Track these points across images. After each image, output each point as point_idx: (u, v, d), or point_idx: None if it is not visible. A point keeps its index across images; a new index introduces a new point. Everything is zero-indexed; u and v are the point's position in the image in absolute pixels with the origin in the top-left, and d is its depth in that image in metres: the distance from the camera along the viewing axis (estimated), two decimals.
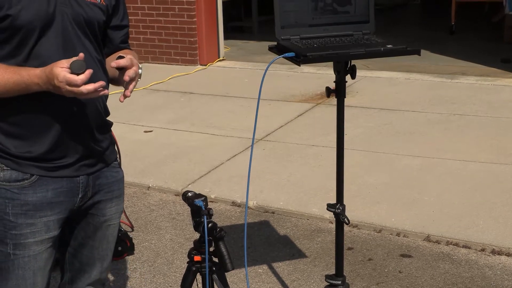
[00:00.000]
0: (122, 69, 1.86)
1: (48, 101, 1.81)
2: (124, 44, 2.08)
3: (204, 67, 7.53)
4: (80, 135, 1.92)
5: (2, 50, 1.81)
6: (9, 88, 1.77)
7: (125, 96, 1.85)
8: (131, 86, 1.84)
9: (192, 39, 7.51)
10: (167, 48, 7.68)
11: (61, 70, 1.69)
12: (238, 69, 7.40)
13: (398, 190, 3.98)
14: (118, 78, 1.92)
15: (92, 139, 1.96)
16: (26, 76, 1.76)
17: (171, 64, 7.65)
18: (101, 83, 1.73)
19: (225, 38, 7.99)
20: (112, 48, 2.05)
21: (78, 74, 1.69)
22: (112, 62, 1.82)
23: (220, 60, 7.74)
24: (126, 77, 1.82)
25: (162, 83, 6.77)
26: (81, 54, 1.73)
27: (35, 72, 1.75)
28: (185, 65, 7.57)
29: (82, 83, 1.69)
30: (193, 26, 7.47)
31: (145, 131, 5.26)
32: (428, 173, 4.21)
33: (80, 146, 1.93)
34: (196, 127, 5.31)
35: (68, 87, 1.70)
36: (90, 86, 1.71)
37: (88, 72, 1.70)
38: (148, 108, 5.86)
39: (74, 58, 1.70)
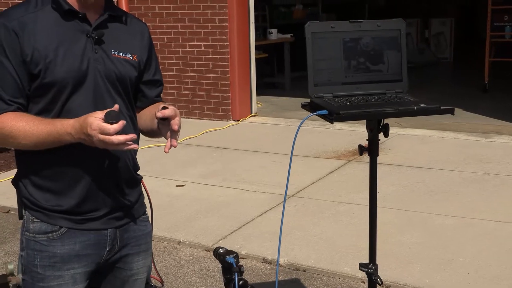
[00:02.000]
0: (164, 120, 1.86)
1: (78, 156, 1.84)
2: (158, 97, 2.11)
3: (236, 122, 7.60)
4: (109, 189, 1.93)
5: (37, 105, 1.86)
6: (43, 139, 1.80)
7: (171, 146, 1.83)
8: (176, 137, 1.84)
9: (225, 95, 7.61)
10: (201, 104, 7.79)
11: (95, 119, 1.72)
12: (270, 124, 7.45)
13: (432, 250, 3.90)
14: (156, 130, 1.94)
15: (120, 193, 1.97)
16: (59, 126, 1.78)
17: (204, 119, 7.75)
18: (132, 135, 1.75)
19: (258, 94, 8.08)
20: (146, 102, 2.08)
21: (111, 124, 1.71)
22: (158, 113, 1.81)
23: (252, 116, 7.81)
24: (175, 127, 1.81)
25: (194, 138, 6.84)
26: (116, 106, 1.75)
27: (68, 122, 1.78)
28: (217, 120, 7.65)
29: (115, 132, 1.71)
30: (226, 82, 7.59)
31: (177, 186, 5.28)
32: (463, 234, 4.12)
33: (109, 200, 1.94)
34: (227, 182, 5.32)
35: (100, 136, 1.71)
36: (122, 137, 1.72)
37: (122, 122, 1.72)
38: (180, 162, 5.90)
39: (109, 109, 1.73)
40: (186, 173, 5.59)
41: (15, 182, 1.98)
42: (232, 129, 7.34)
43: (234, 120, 7.65)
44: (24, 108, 1.85)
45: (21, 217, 1.97)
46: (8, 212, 4.80)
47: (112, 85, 1.91)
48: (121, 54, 1.93)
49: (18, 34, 1.80)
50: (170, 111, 1.81)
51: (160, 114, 1.81)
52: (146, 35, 2.06)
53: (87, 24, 1.88)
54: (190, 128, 7.18)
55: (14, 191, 2.01)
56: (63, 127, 1.78)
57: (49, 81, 1.82)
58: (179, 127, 1.82)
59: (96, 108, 1.85)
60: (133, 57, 1.97)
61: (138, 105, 2.07)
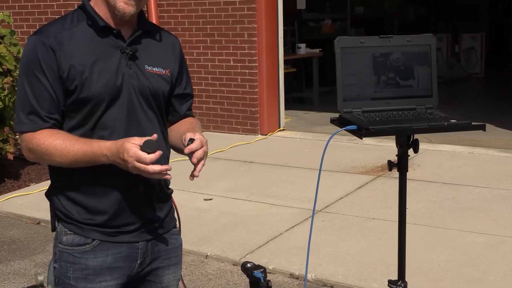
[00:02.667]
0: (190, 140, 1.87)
1: (111, 172, 1.86)
2: (188, 111, 2.13)
3: (264, 136, 7.60)
4: (141, 204, 1.96)
5: (71, 120, 1.89)
6: (78, 158, 1.82)
7: (193, 176, 1.84)
8: (199, 166, 1.83)
9: (253, 109, 7.63)
10: (229, 118, 7.82)
11: (132, 145, 1.74)
12: (299, 139, 7.44)
13: (462, 268, 3.84)
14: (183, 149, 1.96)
15: (152, 207, 1.99)
16: (96, 147, 1.81)
17: (232, 133, 7.77)
18: (167, 166, 1.78)
19: (286, 108, 8.08)
20: (177, 116, 2.10)
21: (148, 153, 1.74)
22: (185, 149, 1.83)
23: (280, 130, 7.81)
24: (194, 159, 1.82)
25: (223, 152, 6.86)
26: (155, 135, 1.78)
27: (105, 144, 1.80)
28: (246, 134, 7.67)
29: (151, 162, 1.74)
30: (255, 97, 7.61)
31: (205, 199, 5.30)
32: (494, 251, 4.05)
33: (141, 214, 1.96)
34: (255, 197, 5.32)
35: (136, 163, 1.74)
36: (157, 167, 1.75)
37: (158, 153, 1.75)
38: (208, 176, 5.92)
39: (147, 138, 1.76)
40: (214, 187, 5.60)
41: (48, 194, 2.01)
42: (260, 144, 7.35)
43: (262, 135, 7.65)
44: (59, 124, 1.88)
45: (53, 229, 2.00)
46: (38, 223, 4.86)
47: (145, 100, 1.93)
48: (154, 69, 1.95)
49: (55, 51, 1.83)
50: (196, 145, 1.82)
51: (187, 150, 1.82)
52: (177, 48, 2.08)
53: (121, 40, 1.91)
54: (219, 142, 7.20)
55: (45, 203, 2.04)
56: (99, 149, 1.80)
57: (85, 97, 1.85)
58: (199, 159, 1.82)
59: (129, 123, 1.88)
60: (165, 72, 1.99)
61: (169, 119, 2.09)
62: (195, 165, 1.83)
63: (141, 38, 1.95)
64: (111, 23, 1.91)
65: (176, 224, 2.14)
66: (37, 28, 1.97)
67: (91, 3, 1.93)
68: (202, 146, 1.83)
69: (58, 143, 1.82)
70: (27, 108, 1.85)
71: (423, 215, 4.69)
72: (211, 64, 7.81)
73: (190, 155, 1.83)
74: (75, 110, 1.88)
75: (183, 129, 2.01)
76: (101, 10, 1.91)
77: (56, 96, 1.85)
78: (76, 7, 1.99)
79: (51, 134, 1.84)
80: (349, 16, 12.11)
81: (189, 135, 1.85)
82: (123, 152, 1.75)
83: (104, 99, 1.86)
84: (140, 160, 1.73)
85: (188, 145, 1.82)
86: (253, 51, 7.50)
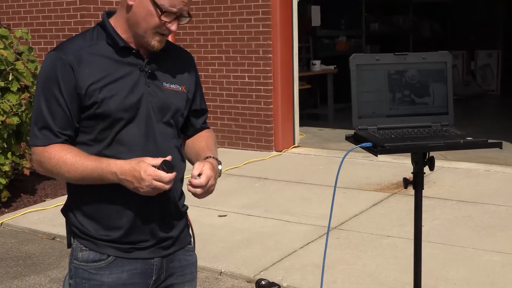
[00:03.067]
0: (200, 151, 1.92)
1: (127, 189, 1.86)
2: (203, 124, 2.16)
3: (279, 153, 7.60)
4: (156, 221, 1.97)
5: (88, 135, 1.90)
6: (86, 175, 1.84)
7: (191, 184, 1.87)
8: (199, 190, 1.86)
9: (268, 126, 7.64)
10: (244, 134, 7.83)
11: (149, 165, 1.77)
12: (313, 156, 7.43)
13: (479, 287, 3.79)
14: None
15: (167, 224, 2.00)
16: (105, 164, 1.82)
17: (247, 150, 7.78)
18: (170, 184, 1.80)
19: (301, 125, 8.09)
20: (193, 130, 2.13)
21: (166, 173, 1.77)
22: (188, 187, 1.86)
23: (295, 147, 7.81)
24: (193, 189, 1.86)
25: (237, 168, 6.86)
26: (170, 157, 1.81)
27: (115, 162, 1.82)
28: (260, 151, 7.67)
29: (169, 181, 1.77)
30: (270, 113, 7.62)
31: (220, 216, 5.29)
32: (511, 270, 4.00)
33: (155, 231, 1.97)
34: (270, 213, 5.31)
35: (154, 182, 1.76)
36: (167, 187, 1.79)
37: (174, 174, 1.78)
38: (223, 192, 5.92)
39: (163, 158, 1.78)
40: (228, 203, 5.60)
41: (64, 211, 2.02)
42: (275, 160, 7.34)
43: (276, 151, 7.65)
44: (71, 140, 1.90)
45: (69, 245, 2.01)
46: (53, 239, 4.88)
47: (163, 117, 1.96)
48: (171, 85, 1.98)
49: (73, 68, 1.85)
50: (202, 180, 1.85)
51: (190, 188, 1.86)
52: (192, 64, 2.11)
53: (140, 59, 1.94)
54: (233, 158, 7.21)
55: (60, 218, 2.05)
56: (108, 166, 1.81)
57: (102, 113, 1.87)
58: (203, 193, 1.87)
59: (147, 139, 1.90)
60: (182, 88, 2.02)
61: (186, 133, 2.12)
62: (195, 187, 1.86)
63: (159, 56, 1.97)
64: (131, 42, 1.93)
65: (191, 241, 2.14)
66: (55, 44, 2.00)
67: (111, 22, 1.94)
68: (207, 183, 1.86)
69: (68, 158, 1.84)
70: (41, 123, 1.87)
71: (439, 233, 4.65)
72: (226, 81, 7.85)
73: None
74: (92, 125, 1.89)
75: (198, 147, 2.05)
76: (121, 29, 1.93)
77: (70, 113, 1.87)
78: (93, 24, 2.01)
79: (62, 149, 1.86)
80: (364, 33, 12.12)
81: (197, 169, 1.87)
82: (140, 170, 1.76)
83: (122, 117, 1.88)
84: (159, 179, 1.76)
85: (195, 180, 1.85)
86: (268, 68, 7.53)
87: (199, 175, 1.85)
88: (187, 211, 2.11)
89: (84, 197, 1.94)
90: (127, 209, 1.92)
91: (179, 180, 1.98)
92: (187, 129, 2.12)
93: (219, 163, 1.96)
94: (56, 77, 1.85)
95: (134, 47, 1.93)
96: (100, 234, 1.93)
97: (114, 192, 1.89)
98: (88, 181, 1.86)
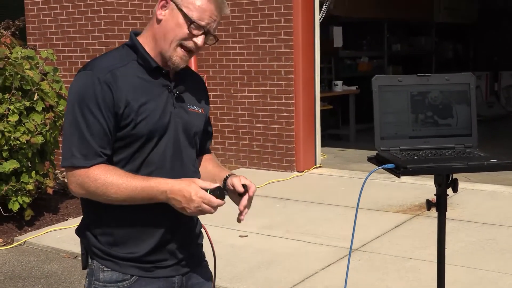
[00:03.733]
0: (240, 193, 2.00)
1: (156, 211, 1.88)
2: (207, 148, 2.22)
3: (300, 173, 7.58)
4: (179, 241, 1.98)
5: (120, 155, 1.91)
6: (135, 194, 1.83)
7: (239, 220, 1.97)
8: (245, 211, 1.98)
9: (289, 146, 7.64)
10: (265, 154, 7.83)
11: (199, 187, 1.81)
12: (335, 176, 7.39)
13: None
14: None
15: (189, 244, 2.03)
16: (154, 183, 1.83)
17: (268, 170, 7.77)
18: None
19: (322, 145, 8.07)
20: (201, 152, 2.16)
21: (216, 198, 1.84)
22: (240, 206, 1.97)
23: (316, 167, 7.78)
24: (241, 207, 1.97)
25: (258, 189, 6.84)
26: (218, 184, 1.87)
27: (166, 181, 1.83)
28: (281, 171, 7.66)
29: (218, 206, 1.82)
30: (291, 133, 7.62)
31: (240, 236, 5.28)
32: None
33: (177, 250, 1.99)
34: (291, 234, 5.28)
35: (203, 205, 1.80)
36: (213, 211, 1.85)
37: (224, 202, 1.84)
38: None
39: (217, 185, 1.86)
40: (250, 224, 5.58)
41: (81, 231, 2.01)
42: (296, 180, 7.33)
43: (298, 171, 7.64)
44: (110, 160, 1.89)
45: (85, 266, 2.00)
46: (75, 257, 4.91)
47: (188, 138, 1.99)
48: (194, 107, 2.02)
49: (111, 87, 1.84)
50: (247, 200, 1.98)
51: (241, 208, 1.98)
52: (205, 87, 2.16)
53: (168, 80, 1.96)
54: (254, 178, 7.15)
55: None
56: (159, 185, 1.82)
57: (136, 133, 1.88)
58: (245, 206, 1.99)
59: (173, 161, 1.93)
60: (201, 110, 2.06)
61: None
62: (241, 210, 1.96)
63: (182, 78, 2.01)
64: (159, 62, 1.95)
65: (204, 257, 2.16)
66: (79, 65, 2.03)
67: (140, 41, 1.96)
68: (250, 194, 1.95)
69: (115, 179, 1.82)
70: (81, 143, 1.83)
71: (462, 256, 4.59)
72: (248, 101, 7.88)
73: (235, 198, 2.00)
74: (125, 146, 1.90)
75: (210, 167, 2.13)
76: (150, 49, 1.95)
77: (110, 132, 1.85)
78: (117, 45, 2.05)
79: (107, 170, 1.84)
80: (386, 54, 12.11)
81: (239, 182, 1.98)
82: (190, 191, 1.79)
83: (154, 137, 1.90)
84: (209, 203, 1.80)
85: (243, 192, 1.96)
86: (289, 88, 7.54)
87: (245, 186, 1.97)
88: (208, 231, 2.13)
89: (105, 217, 1.94)
90: (151, 229, 1.93)
91: None
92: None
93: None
94: (94, 95, 1.83)
95: (163, 67, 1.96)
96: (123, 253, 1.93)
97: (137, 212, 1.90)
98: (136, 201, 1.85)
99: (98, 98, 1.83)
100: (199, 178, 2.03)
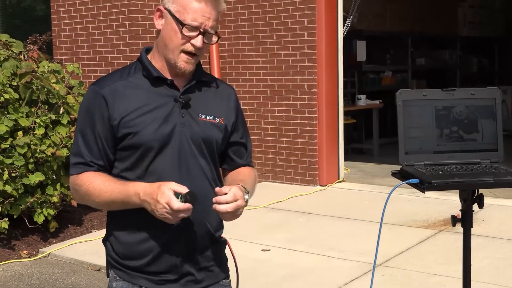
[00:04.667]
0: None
1: (151, 218, 1.86)
2: (244, 162, 2.14)
3: (323, 188, 7.55)
4: (182, 251, 1.96)
5: (123, 163, 1.95)
6: (113, 197, 1.88)
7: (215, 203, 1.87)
8: (225, 207, 1.84)
9: (312, 160, 7.62)
10: (288, 168, 7.82)
11: (169, 190, 1.78)
12: (358, 191, 7.35)
13: None
14: None
15: (197, 256, 1.98)
16: (130, 185, 1.86)
17: (291, 184, 7.75)
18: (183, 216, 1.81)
19: (345, 159, 8.03)
20: (233, 165, 2.13)
21: (182, 202, 1.78)
22: (214, 205, 1.85)
23: (339, 181, 7.75)
24: (217, 199, 1.86)
25: (281, 202, 6.84)
26: (187, 191, 1.81)
27: (140, 184, 1.85)
28: (304, 185, 7.64)
29: (177, 210, 1.77)
30: (314, 147, 7.60)
31: (263, 250, 5.27)
32: None
33: (183, 261, 1.96)
34: (313, 249, 5.25)
35: (167, 207, 1.77)
36: (172, 217, 1.80)
37: (188, 206, 1.77)
38: (266, 226, 5.90)
39: (189, 190, 1.79)
40: (272, 238, 5.57)
41: (103, 241, 2.07)
42: (319, 195, 7.30)
43: (321, 186, 7.61)
44: (104, 169, 1.94)
45: (108, 275, 2.04)
46: (99, 270, 4.93)
47: (197, 148, 1.97)
48: (207, 117, 2.00)
49: (107, 100, 1.92)
50: (227, 197, 1.85)
51: (214, 201, 1.85)
52: (233, 98, 2.12)
53: (175, 89, 1.97)
54: (277, 192, 7.19)
55: (105, 249, 2.08)
56: (134, 187, 1.85)
57: (134, 143, 1.91)
58: (230, 214, 1.86)
59: (180, 170, 1.92)
60: (219, 120, 2.03)
61: (226, 167, 2.12)
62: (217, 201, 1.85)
63: (195, 88, 2.01)
64: (166, 74, 1.98)
65: (228, 275, 2.12)
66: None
67: (149, 56, 2.02)
68: (234, 200, 1.84)
69: (98, 184, 1.89)
70: (76, 153, 1.95)
71: (489, 272, 4.52)
72: (271, 115, 7.88)
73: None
74: (126, 155, 1.94)
75: (233, 179, 2.06)
76: (157, 62, 1.99)
77: (103, 144, 1.93)
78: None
79: (93, 176, 1.92)
80: (410, 68, 12.05)
81: (225, 188, 1.87)
82: (158, 193, 1.78)
83: (153, 147, 1.92)
84: (169, 204, 1.76)
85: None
86: (313, 102, 7.54)
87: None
88: (232, 244, 2.10)
89: (117, 226, 1.98)
90: (151, 237, 1.93)
91: (213, 212, 1.91)
92: (227, 163, 2.12)
93: (247, 192, 1.93)
94: (92, 109, 1.93)
95: (169, 77, 1.97)
96: (131, 263, 1.94)
97: (142, 220, 1.91)
98: (115, 205, 1.90)
99: (95, 112, 1.92)
100: (213, 189, 2.01)
